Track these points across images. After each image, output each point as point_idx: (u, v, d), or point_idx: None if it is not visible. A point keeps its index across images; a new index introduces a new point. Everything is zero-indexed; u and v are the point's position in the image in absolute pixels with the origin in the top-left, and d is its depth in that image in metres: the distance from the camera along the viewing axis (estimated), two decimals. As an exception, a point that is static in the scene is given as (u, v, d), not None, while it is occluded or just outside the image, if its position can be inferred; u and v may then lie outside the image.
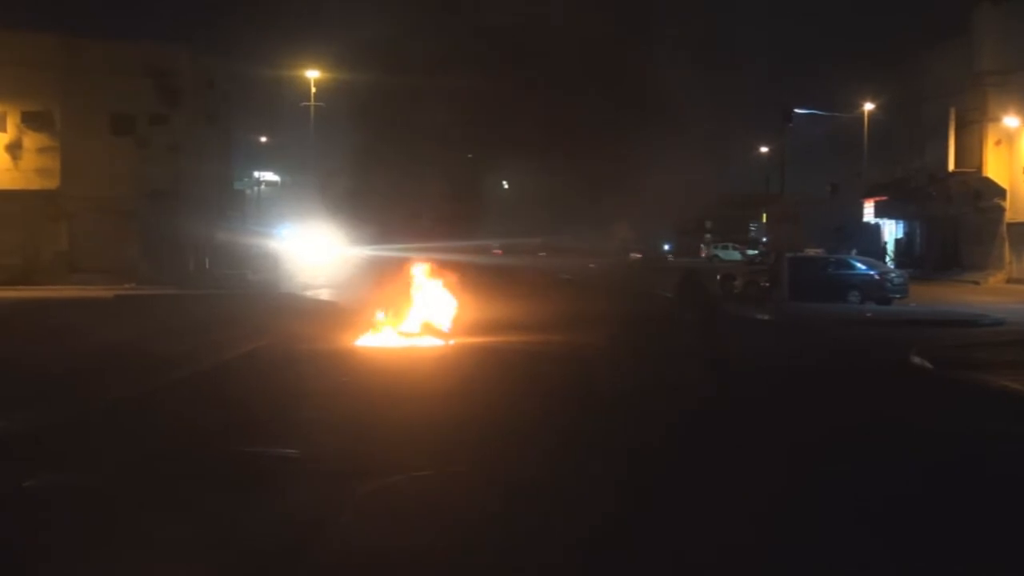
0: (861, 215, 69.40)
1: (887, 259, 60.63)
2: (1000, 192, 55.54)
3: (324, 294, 40.00)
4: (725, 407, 15.32)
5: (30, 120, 50.06)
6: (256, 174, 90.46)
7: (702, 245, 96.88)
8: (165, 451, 11.94)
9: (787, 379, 19.09)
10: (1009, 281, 53.51)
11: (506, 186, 30.39)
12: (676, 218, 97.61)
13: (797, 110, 42.83)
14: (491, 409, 14.98)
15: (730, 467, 11.54)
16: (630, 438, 13.03)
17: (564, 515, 9.68)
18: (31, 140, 50.24)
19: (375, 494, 10.31)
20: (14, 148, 50.06)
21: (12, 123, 50.13)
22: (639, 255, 78.94)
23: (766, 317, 33.03)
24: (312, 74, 58.18)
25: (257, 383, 17.60)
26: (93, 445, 12.46)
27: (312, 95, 62.26)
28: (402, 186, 25.09)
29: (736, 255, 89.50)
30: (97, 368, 19.13)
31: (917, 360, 21.27)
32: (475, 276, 26.44)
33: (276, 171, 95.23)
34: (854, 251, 48.39)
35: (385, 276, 25.47)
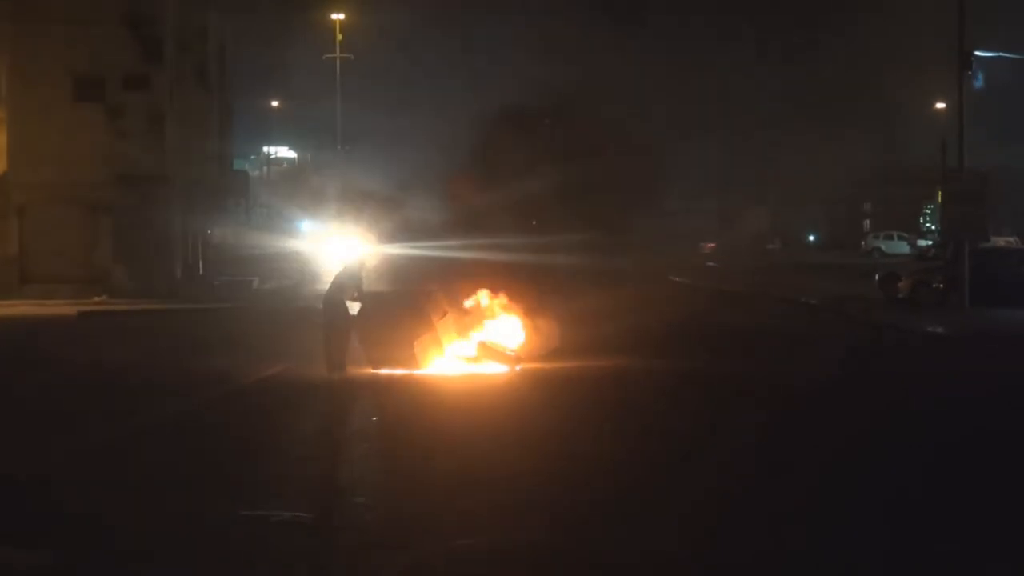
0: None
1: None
2: None
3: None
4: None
5: (-35, 85, 49.63)
6: (266, 150, 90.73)
7: (874, 236, 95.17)
8: (136, 513, 12.02)
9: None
10: None
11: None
12: (823, 201, 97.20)
13: (979, 52, 41.35)
14: (571, 458, 15.03)
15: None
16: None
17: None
18: (-35, 111, 49.79)
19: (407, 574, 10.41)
20: (-57, 122, 49.63)
21: (-60, 89, 49.67)
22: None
23: (939, 330, 32.80)
24: (337, 16, 58.47)
25: (259, 423, 17.90)
26: (49, 503, 12.55)
27: (337, 44, 62.56)
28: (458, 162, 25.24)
29: (904, 247, 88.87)
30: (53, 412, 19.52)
31: None
32: (545, 280, 26.63)
33: (293, 146, 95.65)
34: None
35: (444, 280, 25.73)
